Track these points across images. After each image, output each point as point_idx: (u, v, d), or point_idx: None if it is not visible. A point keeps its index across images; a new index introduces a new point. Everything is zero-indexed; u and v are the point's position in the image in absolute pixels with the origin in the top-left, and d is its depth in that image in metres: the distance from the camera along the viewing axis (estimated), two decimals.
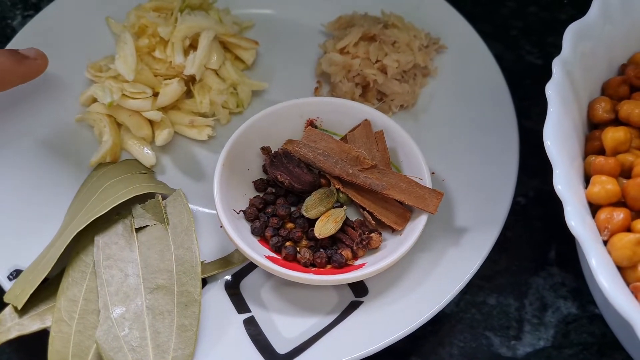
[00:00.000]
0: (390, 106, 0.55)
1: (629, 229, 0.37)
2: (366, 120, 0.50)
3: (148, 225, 0.46)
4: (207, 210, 0.50)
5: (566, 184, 0.36)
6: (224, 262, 0.47)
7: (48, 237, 0.47)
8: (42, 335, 0.43)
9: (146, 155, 0.52)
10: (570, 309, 0.48)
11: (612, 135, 0.40)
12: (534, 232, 0.52)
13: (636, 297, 0.35)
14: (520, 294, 0.49)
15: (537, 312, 0.48)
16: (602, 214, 0.37)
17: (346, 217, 0.47)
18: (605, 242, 0.37)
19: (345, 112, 0.51)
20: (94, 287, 0.43)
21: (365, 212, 0.47)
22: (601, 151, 0.41)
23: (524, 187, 0.53)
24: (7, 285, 0.44)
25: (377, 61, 0.55)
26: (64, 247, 0.43)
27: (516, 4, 0.64)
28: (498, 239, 0.48)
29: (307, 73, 0.58)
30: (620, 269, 0.36)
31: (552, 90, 0.39)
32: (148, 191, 0.47)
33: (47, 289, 0.44)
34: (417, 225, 0.46)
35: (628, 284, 0.35)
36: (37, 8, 0.62)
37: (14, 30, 0.61)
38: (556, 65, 0.40)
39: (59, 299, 0.43)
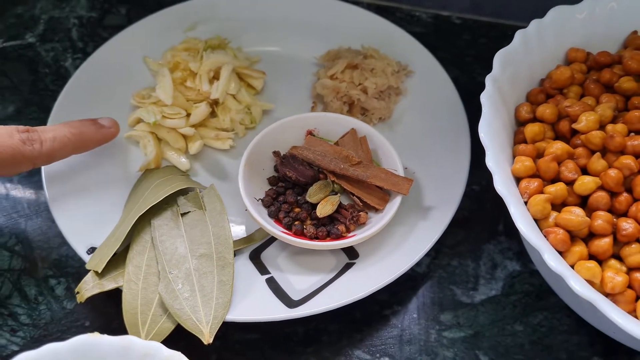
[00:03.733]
0: (371, 119, 0.62)
1: (542, 193, 0.47)
2: (353, 129, 0.58)
3: (190, 211, 0.54)
4: (230, 203, 0.56)
5: (494, 161, 0.46)
6: (248, 239, 0.55)
7: (112, 223, 0.55)
8: (113, 296, 0.51)
9: (182, 162, 0.59)
10: (515, 267, 0.56)
11: (531, 129, 0.50)
12: (486, 212, 0.59)
13: (548, 239, 0.45)
14: (476, 257, 0.57)
15: (489, 270, 0.56)
16: (523, 183, 0.48)
17: (340, 201, 0.55)
18: (525, 203, 0.47)
19: (336, 124, 0.58)
20: (153, 257, 0.51)
21: (354, 197, 0.55)
22: (525, 142, 0.51)
23: (478, 178, 0.60)
24: (86, 258, 0.52)
25: (359, 84, 0.62)
26: (129, 228, 0.51)
27: (470, 37, 0.72)
28: (459, 217, 0.56)
29: (305, 95, 0.65)
30: (537, 221, 0.47)
31: (485, 99, 0.49)
32: (188, 186, 0.56)
33: (116, 259, 0.51)
34: (394, 205, 0.53)
35: (541, 230, 0.46)
36: (85, 52, 0.71)
37: (67, 70, 0.70)
38: (488, 80, 0.50)
39: (127, 266, 0.51)
